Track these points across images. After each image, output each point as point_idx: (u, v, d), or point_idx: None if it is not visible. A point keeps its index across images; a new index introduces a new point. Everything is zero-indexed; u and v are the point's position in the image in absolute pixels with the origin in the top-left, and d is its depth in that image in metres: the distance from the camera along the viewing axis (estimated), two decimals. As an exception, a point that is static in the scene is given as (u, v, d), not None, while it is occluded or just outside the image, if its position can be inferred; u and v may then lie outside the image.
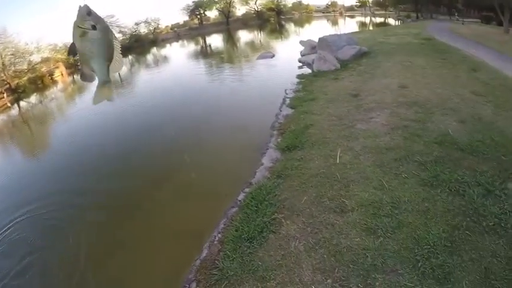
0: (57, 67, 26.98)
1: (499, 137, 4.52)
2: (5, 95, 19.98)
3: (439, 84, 7.43)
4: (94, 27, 1.24)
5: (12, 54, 23.42)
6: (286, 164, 4.69)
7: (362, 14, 48.60)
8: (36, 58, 25.72)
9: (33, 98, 20.10)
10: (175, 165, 6.04)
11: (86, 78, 1.37)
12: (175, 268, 3.40)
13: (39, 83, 23.78)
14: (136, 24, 40.23)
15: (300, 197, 3.81)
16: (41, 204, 5.20)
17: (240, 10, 50.09)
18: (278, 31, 37.23)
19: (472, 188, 3.42)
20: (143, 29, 41.56)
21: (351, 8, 54.09)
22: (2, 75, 21.86)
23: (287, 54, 17.26)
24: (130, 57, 29.86)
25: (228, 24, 46.60)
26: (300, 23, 44.88)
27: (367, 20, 41.14)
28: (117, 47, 1.35)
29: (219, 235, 3.59)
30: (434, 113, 5.65)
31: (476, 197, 3.26)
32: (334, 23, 40.82)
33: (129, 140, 7.97)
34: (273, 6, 49.36)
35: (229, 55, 22.80)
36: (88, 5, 1.24)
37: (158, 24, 43.90)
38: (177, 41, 40.88)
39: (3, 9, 38.69)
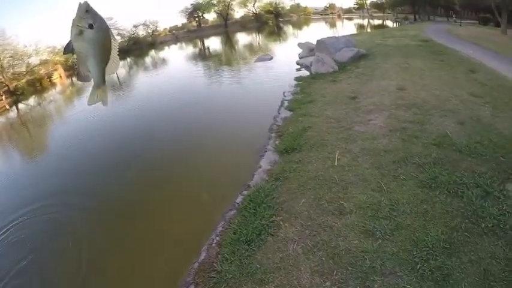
0: (55, 69, 27.03)
1: (497, 138, 4.53)
2: (3, 97, 19.99)
3: (437, 85, 7.45)
4: (91, 26, 1.16)
5: (10, 57, 23.48)
6: (285, 166, 4.68)
7: (360, 16, 48.85)
8: (34, 60, 25.88)
9: (32, 100, 20.11)
10: (174, 167, 6.04)
11: (82, 78, 1.31)
12: (174, 271, 3.39)
13: (38, 85, 23.85)
14: (135, 26, 40.42)
15: (298, 200, 3.79)
16: (38, 206, 5.20)
17: (238, 13, 50.48)
18: (276, 33, 37.30)
19: (470, 189, 3.41)
20: (141, 32, 41.81)
21: (349, 10, 54.35)
22: (1, 77, 21.89)
23: (285, 56, 17.28)
24: (128, 59, 29.86)
25: (226, 27, 46.74)
26: (298, 25, 45.05)
27: (365, 22, 41.41)
28: (115, 47, 1.30)
29: (217, 238, 3.57)
30: (432, 115, 5.65)
31: (475, 199, 3.26)
32: (332, 25, 41.02)
33: (128, 143, 7.96)
34: (271, 8, 49.54)
35: (228, 57, 22.85)
36: (88, 2, 1.15)
37: (156, 26, 44.12)
38: (176, 44, 40.94)
39: (3, 9, 38.80)
